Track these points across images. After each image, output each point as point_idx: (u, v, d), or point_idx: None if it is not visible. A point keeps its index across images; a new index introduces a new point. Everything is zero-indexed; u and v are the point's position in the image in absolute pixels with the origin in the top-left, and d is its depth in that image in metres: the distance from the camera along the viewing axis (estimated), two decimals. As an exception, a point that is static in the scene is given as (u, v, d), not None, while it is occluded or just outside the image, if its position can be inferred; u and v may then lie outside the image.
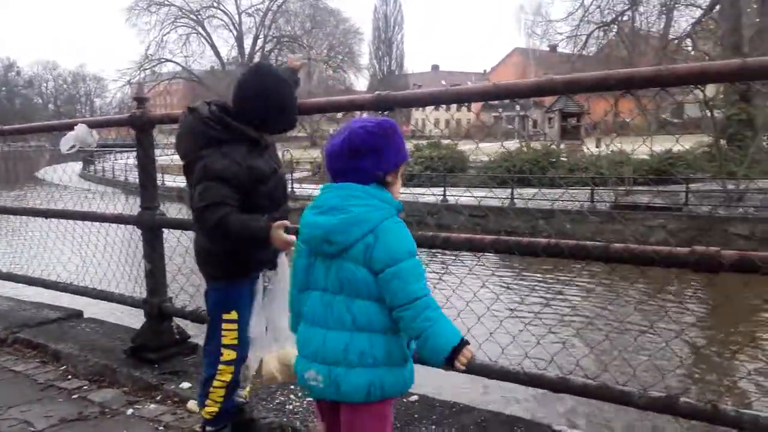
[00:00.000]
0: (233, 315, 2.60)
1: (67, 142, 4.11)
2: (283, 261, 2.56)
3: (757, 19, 21.64)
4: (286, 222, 2.45)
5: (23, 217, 5.69)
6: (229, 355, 2.60)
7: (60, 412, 3.29)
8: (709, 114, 17.66)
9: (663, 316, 2.79)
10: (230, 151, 2.49)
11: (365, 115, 3.33)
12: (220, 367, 2.60)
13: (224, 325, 2.59)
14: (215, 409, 2.63)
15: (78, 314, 5.02)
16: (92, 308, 5.19)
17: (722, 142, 18.59)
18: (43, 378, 3.80)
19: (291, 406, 3.12)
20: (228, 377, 2.62)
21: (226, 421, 2.70)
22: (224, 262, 2.58)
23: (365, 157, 1.87)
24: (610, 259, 2.58)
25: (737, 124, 19.39)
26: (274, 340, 2.54)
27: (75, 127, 4.15)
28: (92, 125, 4.25)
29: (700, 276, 2.44)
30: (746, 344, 8.01)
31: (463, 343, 1.80)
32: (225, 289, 2.62)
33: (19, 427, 3.13)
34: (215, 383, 2.61)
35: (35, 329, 4.60)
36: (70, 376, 3.82)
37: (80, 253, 4.81)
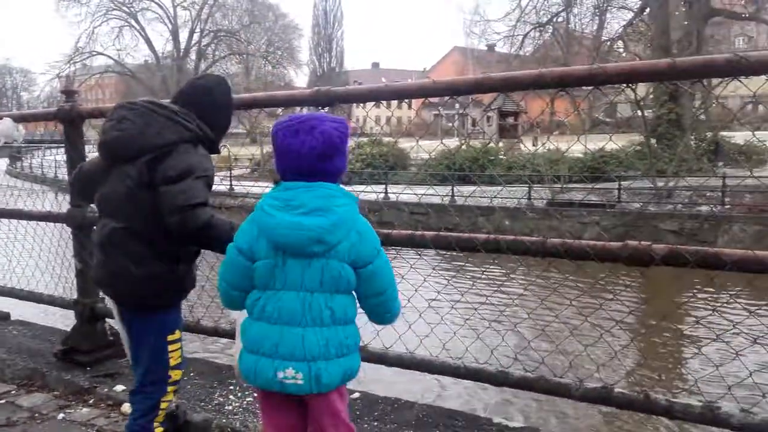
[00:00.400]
0: (177, 335, 2.47)
1: (-8, 136, 3.94)
2: None
3: (685, 22, 22.56)
4: None
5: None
6: (176, 375, 2.47)
7: (-15, 418, 3.15)
8: (639, 114, 18.27)
9: (596, 309, 2.88)
10: (204, 152, 2.40)
11: (307, 110, 3.30)
12: (168, 389, 2.45)
13: (170, 347, 2.44)
14: (161, 429, 2.48)
15: (5, 316, 4.80)
16: (20, 310, 4.97)
17: (652, 141, 19.31)
18: (-34, 383, 3.63)
19: (230, 407, 3.07)
20: (172, 396, 2.49)
21: None
22: (170, 288, 2.40)
23: (336, 157, 1.91)
24: (547, 254, 2.63)
25: (666, 123, 20.19)
26: None
27: (-1, 121, 3.98)
28: (18, 119, 4.09)
29: (633, 270, 2.51)
30: (678, 335, 8.35)
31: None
32: (169, 315, 2.45)
33: (-60, 435, 2.98)
34: (162, 405, 2.45)
35: (-42, 333, 4.38)
36: (-4, 381, 3.65)
37: (6, 252, 4.60)
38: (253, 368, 1.89)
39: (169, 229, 2.23)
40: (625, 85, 2.53)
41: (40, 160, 33.74)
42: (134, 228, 2.30)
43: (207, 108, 2.45)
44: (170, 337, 2.44)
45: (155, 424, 2.43)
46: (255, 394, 3.14)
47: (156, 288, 2.35)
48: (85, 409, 3.19)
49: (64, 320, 5.10)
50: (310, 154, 1.87)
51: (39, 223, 4.58)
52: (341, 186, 1.96)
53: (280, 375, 1.85)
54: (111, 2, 46.93)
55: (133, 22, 47.59)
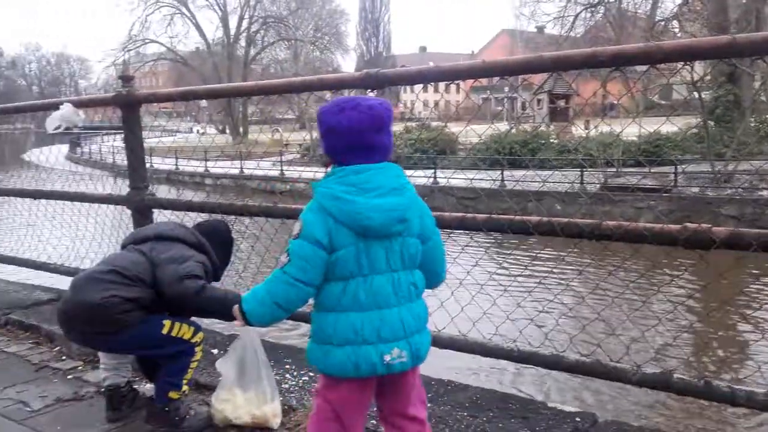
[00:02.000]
0: (167, 324, 2.70)
1: (53, 121, 4.07)
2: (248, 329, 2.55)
3: (744, 0, 21.67)
4: None
5: (11, 198, 5.64)
6: (199, 337, 2.78)
7: (55, 392, 3.29)
8: (696, 95, 17.70)
9: (656, 293, 2.81)
10: (200, 256, 2.84)
11: (352, 93, 3.31)
12: (196, 349, 2.77)
13: (173, 333, 2.70)
14: (187, 387, 2.82)
15: (69, 296, 4.98)
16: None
17: (710, 123, 18.69)
18: (37, 359, 3.79)
19: (287, 385, 3.13)
20: (200, 355, 2.81)
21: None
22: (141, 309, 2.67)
23: (385, 132, 1.94)
24: (603, 237, 2.60)
25: (725, 104, 19.49)
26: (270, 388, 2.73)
27: (61, 107, 4.11)
28: (78, 105, 4.21)
29: (691, 254, 2.46)
30: (738, 321, 8.12)
31: None
32: (149, 325, 2.69)
33: (15, 407, 3.13)
34: (192, 365, 2.78)
35: (28, 310, 4.58)
36: (64, 357, 3.80)
37: (70, 234, 4.78)
38: (353, 360, 1.87)
39: (170, 298, 2.68)
40: (683, 63, 2.47)
41: (98, 146, 34.69)
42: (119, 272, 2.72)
43: (213, 241, 2.98)
44: (164, 331, 2.69)
45: (183, 381, 2.77)
46: (311, 373, 3.20)
47: (127, 312, 2.63)
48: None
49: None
50: (360, 127, 1.88)
51: (101, 205, 4.74)
52: None
53: (387, 358, 1.87)
54: (163, -10, 47.65)
55: (184, 10, 48.22)
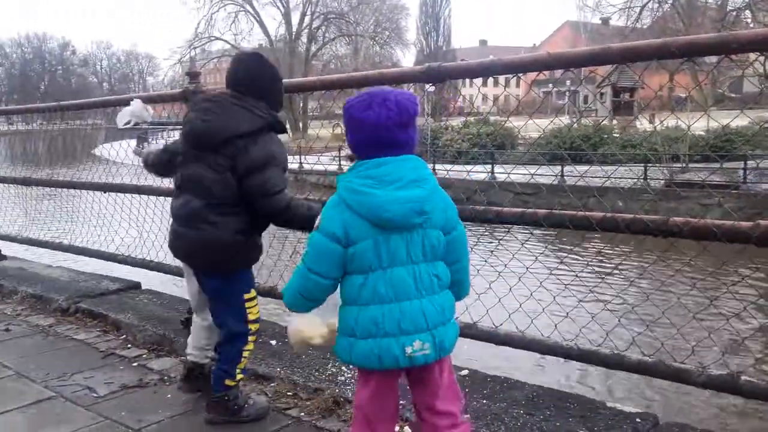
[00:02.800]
0: (252, 293, 2.83)
1: (123, 117, 4.20)
2: None
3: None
4: None
5: (83, 191, 5.87)
6: (255, 327, 2.84)
7: (121, 379, 3.42)
8: (769, 88, 16.92)
9: (724, 292, 2.70)
10: (278, 140, 2.72)
11: (407, 88, 3.30)
12: (249, 339, 2.82)
13: (247, 305, 2.80)
14: (241, 376, 2.87)
15: (136, 285, 5.17)
16: (150, 280, 5.35)
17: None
18: (104, 346, 3.94)
19: (343, 377, 3.17)
20: (253, 346, 2.87)
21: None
22: (242, 253, 2.73)
23: (411, 127, 1.93)
24: (669, 234, 2.52)
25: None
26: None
27: (131, 102, 4.24)
28: (146, 100, 4.33)
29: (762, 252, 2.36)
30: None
31: None
32: (242, 276, 2.81)
33: (82, 392, 3.26)
34: (245, 353, 2.82)
35: (96, 300, 4.76)
36: (129, 345, 3.94)
37: (137, 226, 4.95)
38: (376, 352, 1.89)
39: (256, 210, 2.63)
40: (758, 54, 2.37)
41: (164, 141, 35.68)
42: (215, 205, 2.64)
43: (265, 90, 2.73)
44: (246, 296, 2.80)
45: (237, 369, 2.81)
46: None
47: (234, 255, 2.70)
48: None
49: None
50: (387, 124, 1.88)
51: (167, 198, 4.87)
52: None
53: (409, 350, 1.88)
54: (228, -12, 48.63)
55: (248, 7, 49.12)
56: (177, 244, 2.78)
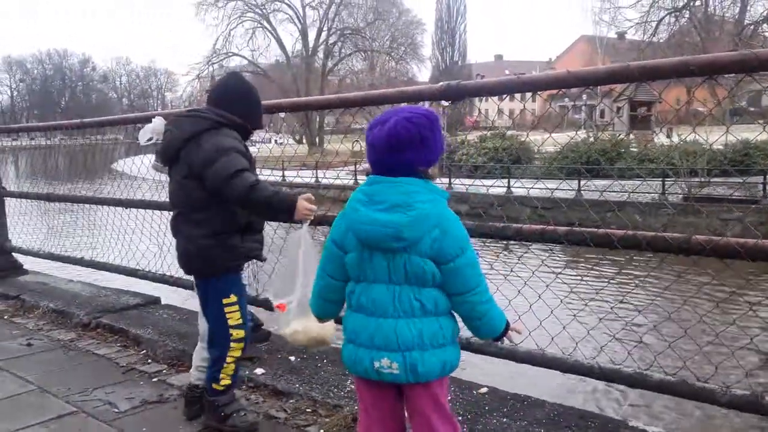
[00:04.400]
0: (232, 299, 2.87)
1: (145, 134, 4.24)
2: (305, 229, 2.63)
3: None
4: (311, 196, 2.68)
5: (104, 207, 5.93)
6: (238, 333, 2.88)
7: (141, 394, 3.43)
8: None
9: (746, 311, 2.67)
10: (229, 133, 2.79)
11: (426, 105, 3.32)
12: (232, 345, 2.87)
13: (227, 309, 2.85)
14: (228, 382, 2.91)
15: (156, 300, 5.21)
16: (169, 294, 5.38)
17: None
18: (124, 361, 3.97)
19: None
20: (238, 353, 2.91)
21: (233, 391, 3.00)
22: (215, 256, 2.80)
23: (407, 151, 1.91)
24: (692, 252, 2.50)
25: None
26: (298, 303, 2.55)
27: (152, 120, 4.30)
28: (168, 118, 4.39)
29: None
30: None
31: (508, 322, 2.05)
32: (221, 282, 2.87)
33: (104, 407, 3.28)
34: (228, 359, 2.88)
35: (116, 315, 4.80)
36: (149, 360, 3.97)
37: (158, 241, 4.98)
38: (353, 357, 1.99)
39: (226, 199, 2.67)
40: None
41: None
42: (184, 213, 2.81)
43: (225, 101, 2.86)
44: (225, 300, 2.85)
45: (222, 375, 2.88)
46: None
47: (206, 259, 2.80)
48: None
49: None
50: (380, 146, 1.92)
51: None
52: (430, 182, 1.96)
53: (377, 364, 1.93)
54: (245, 5, 49.27)
55: (265, 23, 49.66)
56: (177, 254, 2.95)
